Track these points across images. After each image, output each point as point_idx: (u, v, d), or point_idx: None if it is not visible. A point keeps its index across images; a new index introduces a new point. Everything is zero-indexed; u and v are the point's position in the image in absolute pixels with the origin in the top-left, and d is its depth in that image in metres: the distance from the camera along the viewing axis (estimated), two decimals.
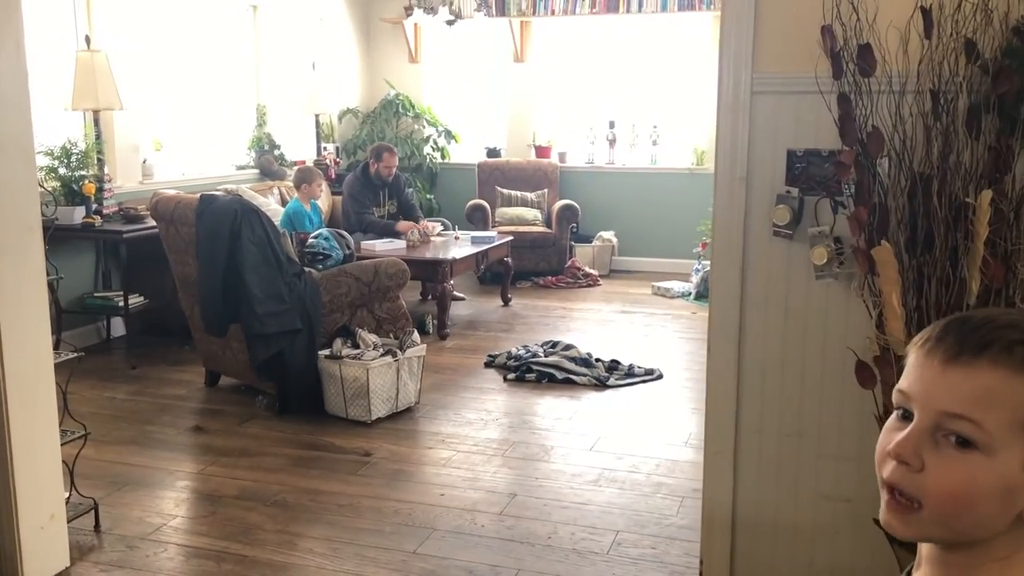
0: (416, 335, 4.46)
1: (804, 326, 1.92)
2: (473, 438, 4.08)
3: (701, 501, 2.80)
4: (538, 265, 7.72)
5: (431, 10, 7.46)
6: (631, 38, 8.29)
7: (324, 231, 4.64)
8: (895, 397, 0.89)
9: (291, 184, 6.98)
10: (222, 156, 7.04)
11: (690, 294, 7.21)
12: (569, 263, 7.81)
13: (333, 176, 7.98)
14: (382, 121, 8.58)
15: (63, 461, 2.89)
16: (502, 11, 8.31)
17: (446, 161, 8.73)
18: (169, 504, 3.43)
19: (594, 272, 7.80)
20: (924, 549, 0.91)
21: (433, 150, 8.68)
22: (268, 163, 7.21)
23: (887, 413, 1.77)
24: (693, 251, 7.48)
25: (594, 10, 8.06)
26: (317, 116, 8.01)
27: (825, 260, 1.81)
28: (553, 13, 8.20)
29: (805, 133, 1.87)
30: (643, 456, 3.87)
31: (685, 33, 8.12)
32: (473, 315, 6.61)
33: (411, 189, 7.18)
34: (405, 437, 4.11)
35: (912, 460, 0.85)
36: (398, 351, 4.31)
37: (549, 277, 7.68)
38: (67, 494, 2.99)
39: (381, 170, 6.68)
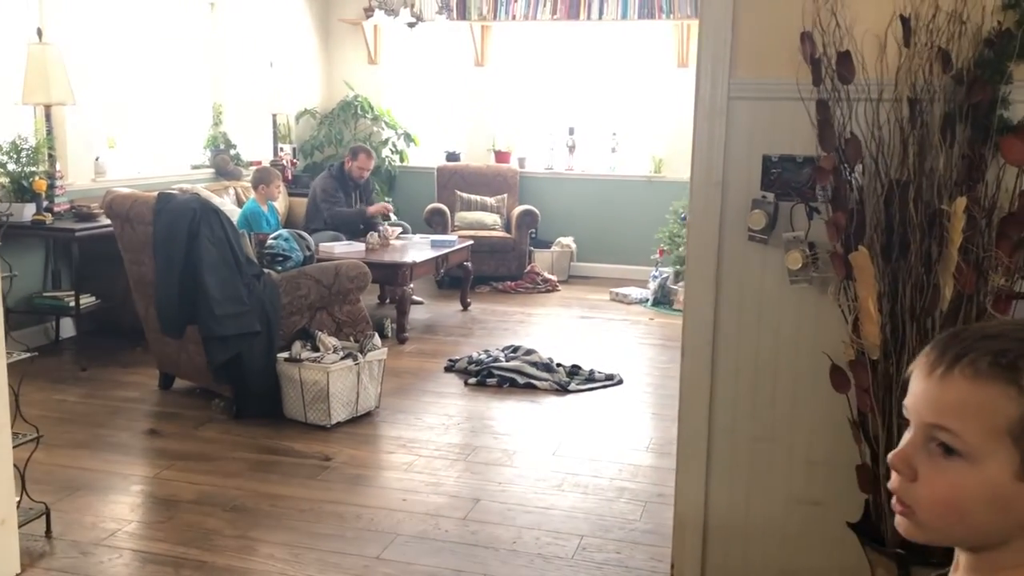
0: (377, 338, 4.42)
1: (778, 330, 1.93)
2: (435, 443, 4.04)
3: (672, 505, 2.82)
4: (497, 270, 7.70)
5: (392, 12, 7.41)
6: (591, 45, 8.33)
7: (284, 232, 4.58)
8: (903, 410, 0.91)
9: (247, 184, 6.89)
10: (177, 155, 6.91)
11: (647, 300, 7.25)
12: (528, 268, 7.81)
13: (290, 177, 7.89)
14: (340, 123, 8.50)
15: (14, 465, 2.80)
16: (463, 15, 8.29)
17: (405, 164, 8.67)
18: (123, 509, 3.34)
19: (553, 278, 7.82)
20: (956, 552, 0.93)
21: (392, 153, 8.61)
22: (224, 163, 7.09)
23: (860, 416, 1.80)
24: (651, 258, 7.53)
25: (555, 16, 8.09)
26: (274, 116, 7.92)
27: (800, 265, 1.82)
28: (514, 18, 8.21)
29: (780, 139, 1.88)
30: (605, 461, 3.87)
31: (645, 41, 8.18)
32: (432, 319, 6.57)
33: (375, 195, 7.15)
34: (365, 441, 4.06)
35: (904, 470, 0.88)
36: (359, 354, 4.26)
37: (508, 282, 7.67)
38: (17, 499, 2.90)
39: (355, 170, 6.65)
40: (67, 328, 5.56)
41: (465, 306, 6.89)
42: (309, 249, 4.60)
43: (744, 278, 1.94)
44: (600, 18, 7.98)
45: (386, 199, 8.25)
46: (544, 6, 8.09)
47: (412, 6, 7.21)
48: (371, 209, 6.56)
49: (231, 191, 6.76)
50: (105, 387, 4.70)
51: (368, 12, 8.38)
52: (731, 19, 1.85)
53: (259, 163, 7.71)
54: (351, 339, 4.54)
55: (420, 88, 8.79)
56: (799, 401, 1.95)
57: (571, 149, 8.36)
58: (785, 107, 1.86)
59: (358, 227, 6.42)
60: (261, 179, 5.88)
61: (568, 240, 8.24)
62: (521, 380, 4.89)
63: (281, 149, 8.01)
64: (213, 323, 3.97)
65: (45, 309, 5.27)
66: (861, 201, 1.70)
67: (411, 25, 7.32)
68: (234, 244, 4.07)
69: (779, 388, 1.96)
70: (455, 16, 8.18)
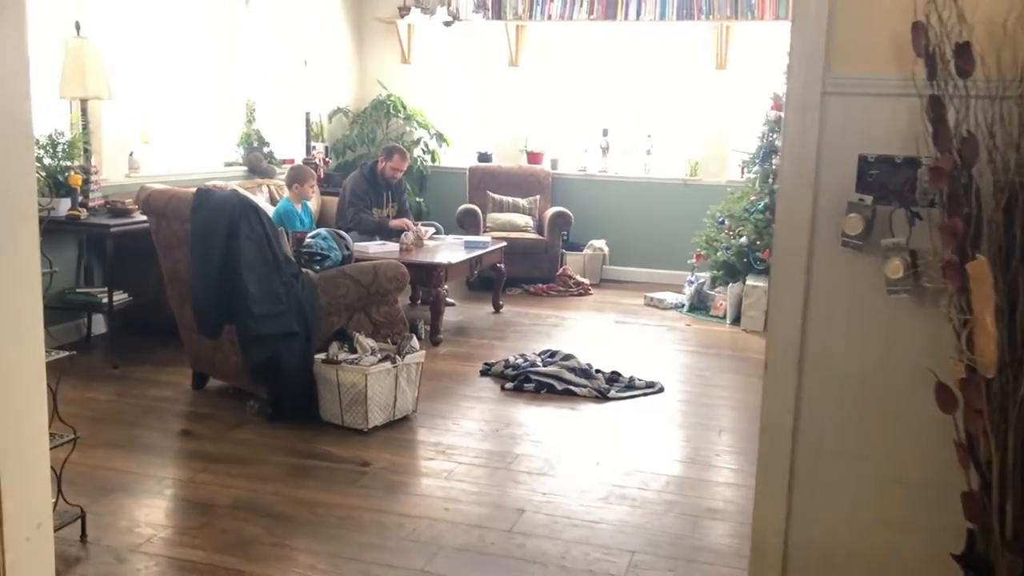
0: (415, 340, 4.31)
1: (871, 343, 1.81)
2: (474, 450, 3.93)
3: (725, 522, 2.69)
4: (529, 272, 7.59)
5: (428, 10, 7.31)
6: (627, 46, 8.20)
7: (323, 231, 4.48)
8: None
9: (281, 182, 6.82)
10: (210, 152, 6.85)
11: (683, 306, 7.11)
12: (561, 271, 7.69)
13: (322, 176, 7.81)
14: (372, 122, 8.42)
15: (50, 467, 2.71)
16: (498, 14, 8.19)
17: (436, 164, 8.58)
18: (159, 513, 3.25)
19: (585, 281, 7.69)
20: None
21: (424, 153, 8.53)
22: (257, 160, 7.02)
23: (968, 439, 1.66)
24: (687, 262, 7.39)
25: (592, 16, 7.97)
26: (307, 114, 7.84)
27: (901, 274, 1.70)
28: (550, 18, 8.11)
29: (878, 138, 1.76)
30: (651, 472, 3.74)
31: (682, 42, 8.04)
32: (464, 321, 6.47)
33: (407, 196, 7.05)
34: (404, 447, 3.95)
35: None
36: (397, 357, 4.15)
37: (540, 285, 7.56)
38: (53, 500, 2.81)
39: (388, 170, 6.55)
40: (99, 325, 5.50)
41: (497, 308, 6.78)
42: (348, 249, 4.50)
43: (836, 287, 1.81)
44: (638, 18, 7.87)
45: (417, 199, 8.17)
46: (580, 6, 7.98)
47: (448, 5, 7.11)
48: (394, 223, 6.43)
49: (264, 189, 6.69)
50: (138, 385, 4.63)
51: (403, 11, 8.31)
52: (827, 10, 1.73)
53: (292, 161, 7.64)
54: (388, 341, 4.44)
55: (453, 88, 8.70)
56: (893, 419, 1.82)
57: (605, 151, 8.24)
58: (884, 104, 1.74)
59: (376, 236, 6.29)
60: (295, 178, 5.80)
61: (600, 243, 8.11)
62: (559, 386, 4.78)
63: (313, 147, 7.95)
64: (251, 322, 3.88)
65: (78, 305, 5.21)
66: (978, 206, 1.58)
67: (448, 24, 7.23)
68: (273, 242, 3.97)
69: (871, 404, 1.83)
70: (491, 16, 8.08)
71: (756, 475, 1.93)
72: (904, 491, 1.83)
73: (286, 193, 5.95)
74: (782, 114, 1.81)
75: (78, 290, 5.22)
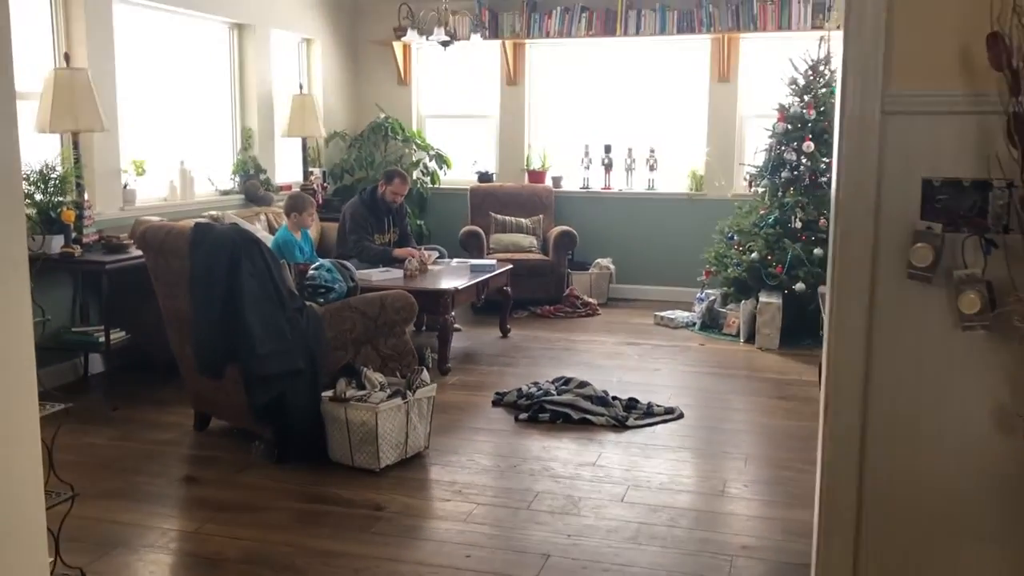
0: (425, 374, 4.14)
1: (944, 382, 1.65)
2: (492, 488, 3.76)
3: (763, 559, 2.52)
4: (535, 293, 7.43)
5: (425, 31, 7.18)
6: (627, 61, 8.08)
7: (326, 262, 4.32)
8: None
9: (279, 210, 6.67)
10: (206, 181, 6.69)
11: (695, 324, 6.95)
12: (567, 292, 7.53)
13: (321, 201, 7.66)
14: (371, 145, 8.28)
15: (47, 528, 2.54)
16: (495, 33, 8.07)
17: (437, 186, 8.43)
18: (165, 570, 3.07)
19: (593, 301, 7.54)
20: None
21: (423, 174, 8.38)
22: (254, 188, 6.87)
23: None
24: (697, 279, 7.23)
25: (590, 32, 7.85)
26: (304, 139, 7.70)
27: (978, 308, 1.54)
28: (548, 35, 7.98)
29: (943, 160, 1.60)
30: (679, 508, 3.57)
31: (683, 56, 7.92)
32: (471, 347, 6.30)
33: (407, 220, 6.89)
34: (418, 487, 3.78)
35: None
36: (407, 391, 3.98)
37: (547, 306, 7.40)
38: (51, 561, 2.64)
39: (388, 194, 6.40)
40: (96, 364, 5.32)
41: (505, 333, 6.62)
42: (353, 280, 4.34)
43: (902, 322, 1.66)
44: (637, 33, 7.74)
45: (418, 222, 8.01)
46: (579, 22, 7.86)
47: (446, 25, 6.98)
48: (397, 252, 6.26)
49: (262, 217, 6.54)
50: (138, 428, 4.45)
51: (398, 32, 8.19)
52: (884, 21, 1.58)
53: (289, 188, 7.50)
54: (397, 374, 4.28)
55: (451, 108, 8.57)
56: (971, 467, 1.66)
57: (608, 167, 8.10)
58: (949, 122, 1.59)
59: (380, 264, 6.12)
60: (294, 206, 5.65)
61: (607, 261, 7.96)
62: (576, 415, 4.61)
63: (311, 173, 7.80)
64: (255, 362, 3.71)
65: (74, 345, 5.04)
66: None
67: (445, 44, 7.10)
68: (276, 277, 3.81)
69: (944, 450, 1.67)
70: (488, 35, 7.96)
71: (815, 534, 1.76)
72: (984, 547, 1.66)
73: (284, 222, 5.79)
74: (834, 135, 1.65)
75: (74, 329, 5.06)
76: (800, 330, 6.43)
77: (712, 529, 3.38)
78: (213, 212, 5.97)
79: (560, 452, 4.19)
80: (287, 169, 7.66)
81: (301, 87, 7.64)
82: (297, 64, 7.94)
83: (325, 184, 7.94)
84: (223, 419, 4.37)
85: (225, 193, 6.82)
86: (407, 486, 3.77)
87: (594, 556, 3.13)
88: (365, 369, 4.06)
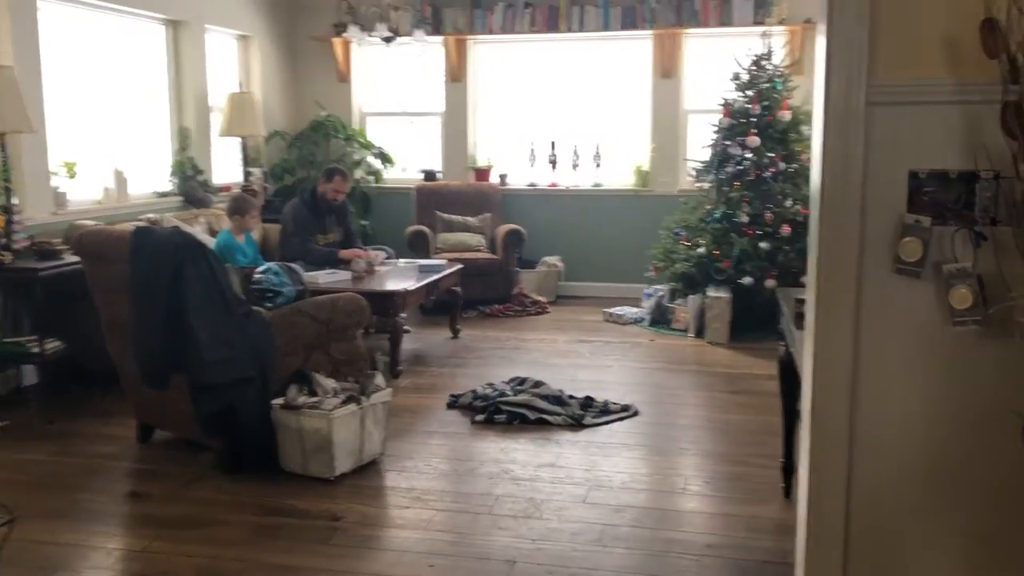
0: (379, 378, 4.03)
1: (935, 380, 1.62)
2: (452, 493, 3.67)
3: (728, 558, 2.49)
4: (484, 293, 7.34)
5: (366, 28, 7.04)
6: (572, 57, 8.05)
7: (273, 265, 4.18)
8: None
9: (219, 212, 6.48)
10: (142, 183, 6.46)
11: (644, 320, 6.95)
12: (516, 290, 7.47)
13: (263, 202, 7.46)
14: (311, 144, 8.09)
15: None
16: (438, 29, 7.96)
17: (380, 185, 8.29)
18: None
19: (542, 299, 7.49)
20: None
21: (366, 174, 8.23)
22: (193, 189, 6.66)
23: None
24: (645, 275, 7.23)
25: (534, 28, 7.79)
26: (244, 139, 7.50)
27: (969, 303, 1.51)
28: (491, 32, 7.90)
29: (928, 151, 1.57)
30: (642, 507, 3.53)
31: (627, 52, 7.91)
32: (421, 349, 6.19)
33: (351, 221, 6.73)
34: (376, 495, 3.67)
35: None
36: (362, 397, 3.87)
37: (496, 305, 7.33)
38: None
39: (329, 192, 6.24)
40: (29, 376, 5.08)
41: (455, 333, 6.52)
42: (302, 283, 4.20)
43: (889, 319, 1.62)
44: (581, 29, 7.70)
45: (363, 222, 7.86)
46: (522, 19, 7.80)
47: (389, 21, 6.85)
48: (344, 253, 6.11)
49: (202, 219, 6.33)
50: (77, 442, 4.26)
51: (338, 28, 8.03)
52: (868, 9, 1.54)
53: (229, 189, 7.30)
54: (349, 379, 4.16)
55: (394, 105, 8.44)
56: (962, 464, 1.63)
57: (554, 164, 8.05)
58: (934, 112, 1.55)
59: (326, 266, 5.96)
60: (237, 209, 5.48)
61: (555, 259, 7.92)
62: (532, 415, 4.55)
63: (251, 173, 7.59)
64: (202, 371, 3.56)
65: (6, 356, 4.80)
66: None
67: (388, 40, 6.97)
68: (222, 281, 3.67)
69: (936, 449, 1.64)
70: (431, 31, 7.84)
71: (804, 540, 1.71)
72: (978, 549, 1.64)
73: (226, 225, 5.62)
74: (814, 127, 1.61)
75: (5, 340, 4.81)
76: (748, 324, 6.47)
77: (676, 528, 3.35)
78: (151, 215, 5.75)
79: (518, 454, 4.12)
80: (226, 170, 7.44)
81: (240, 85, 7.44)
82: (235, 62, 7.72)
83: (266, 184, 7.73)
84: (168, 430, 4.20)
85: (163, 195, 6.59)
86: (364, 494, 3.66)
87: (560, 560, 3.07)
88: (316, 375, 3.94)
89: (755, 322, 6.51)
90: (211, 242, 5.50)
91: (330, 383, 3.95)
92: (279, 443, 3.83)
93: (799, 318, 2.95)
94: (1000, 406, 1.56)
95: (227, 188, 7.34)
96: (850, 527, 1.67)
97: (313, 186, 6.45)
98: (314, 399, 3.83)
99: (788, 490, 3.62)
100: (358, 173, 8.15)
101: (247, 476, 3.80)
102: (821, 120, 1.60)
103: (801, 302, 2.96)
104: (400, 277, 5.91)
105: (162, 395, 3.91)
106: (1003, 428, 1.54)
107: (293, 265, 4.29)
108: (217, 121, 7.20)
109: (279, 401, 3.83)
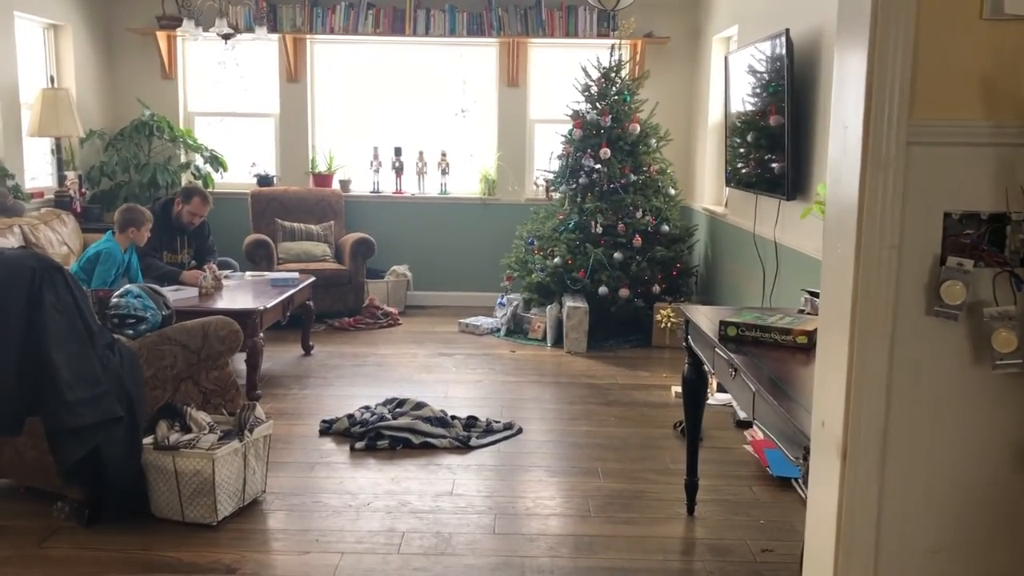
0: (259, 410, 3.69)
1: (971, 423, 1.61)
2: (353, 532, 3.42)
3: None
4: (333, 305, 7.02)
5: (201, 22, 6.53)
6: (418, 62, 7.85)
7: (134, 287, 3.73)
8: None
9: (33, 221, 5.84)
10: None
11: (499, 330, 6.88)
12: (367, 302, 7.19)
13: (79, 209, 6.78)
14: (133, 145, 7.43)
15: None
16: (274, 27, 7.53)
17: (212, 190, 7.72)
18: None
19: (393, 310, 7.25)
20: None
21: (195, 178, 7.66)
22: (3, 197, 5.92)
23: None
24: (500, 285, 7.17)
25: (378, 30, 7.54)
26: (57, 140, 6.77)
27: (1015, 347, 1.51)
28: (332, 31, 7.56)
29: (964, 193, 1.56)
30: (554, 535, 3.43)
31: (474, 59, 7.83)
32: (273, 369, 5.81)
33: (212, 237, 6.22)
34: (269, 540, 3.36)
35: None
36: (244, 431, 3.53)
37: (346, 318, 7.02)
38: None
39: (185, 215, 5.76)
40: None
41: (308, 350, 6.18)
42: (167, 307, 3.78)
43: (923, 363, 1.59)
44: (427, 34, 7.53)
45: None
46: (366, 20, 7.52)
47: (227, 17, 6.39)
48: (186, 275, 5.64)
49: (16, 229, 5.65)
50: None
51: (163, 21, 7.43)
52: (912, 45, 1.51)
53: (42, 194, 6.62)
54: (223, 411, 3.81)
55: (224, 105, 7.91)
56: (992, 506, 1.63)
57: (398, 171, 7.83)
58: (970, 154, 1.55)
59: (164, 282, 5.49)
60: (132, 220, 5.02)
61: (403, 268, 7.71)
62: (416, 440, 4.35)
63: (66, 177, 6.87)
64: (64, 413, 3.11)
65: None
66: None
67: (227, 37, 6.49)
68: (84, 310, 3.22)
69: (969, 491, 1.63)
70: (267, 29, 7.40)
71: (833, 567, 1.66)
72: None
73: (116, 237, 5.12)
74: (847, 166, 1.54)
75: None
76: (604, 332, 6.56)
77: (594, 555, 3.28)
78: None
79: (412, 483, 3.91)
80: (37, 174, 6.69)
81: (52, 80, 6.71)
82: (44, 54, 6.96)
83: (84, 190, 7.03)
84: (9, 478, 3.66)
85: None
86: (255, 540, 3.33)
87: None
88: (188, 408, 3.56)
89: (610, 331, 6.61)
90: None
91: (204, 417, 3.58)
92: (151, 487, 3.43)
93: (726, 340, 2.95)
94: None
95: (39, 194, 6.62)
96: (879, 567, 1.64)
97: (167, 200, 5.96)
98: (188, 436, 3.46)
99: (692, 507, 3.64)
100: (185, 178, 7.57)
101: (112, 527, 3.37)
102: (857, 159, 1.55)
103: (728, 324, 2.97)
104: (253, 293, 5.51)
105: (5, 441, 3.40)
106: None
107: (156, 287, 3.86)
108: (27, 120, 6.45)
109: (149, 441, 3.43)
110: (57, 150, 6.86)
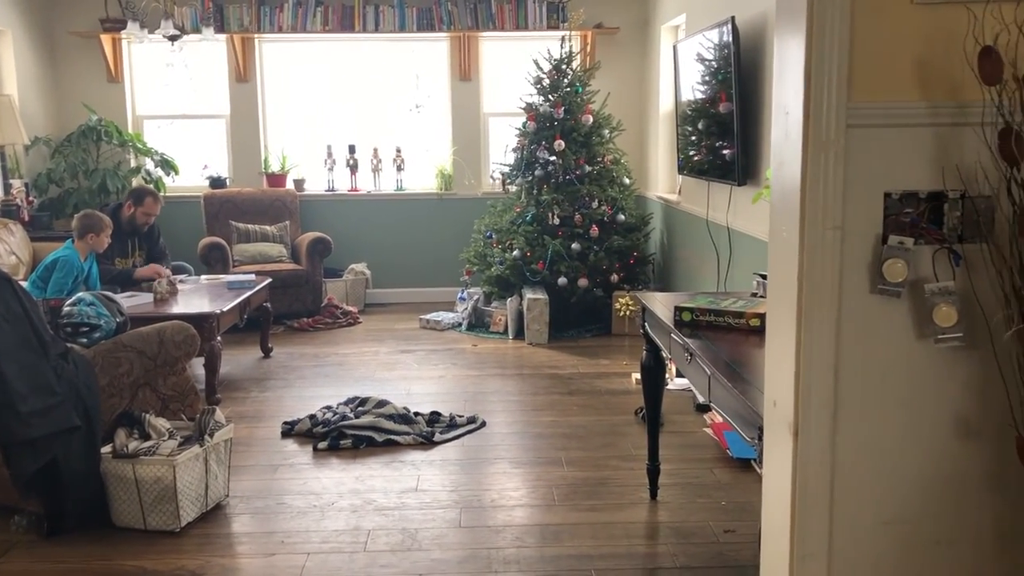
0: (219, 414, 3.67)
1: (912, 398, 1.65)
2: (319, 533, 3.41)
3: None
4: (291, 306, 6.98)
5: (147, 24, 6.44)
6: (369, 58, 7.81)
7: (87, 295, 3.67)
8: None
9: None
10: None
11: (461, 325, 6.88)
12: (326, 301, 7.15)
13: (27, 218, 6.67)
14: (81, 150, 7.29)
15: None
16: (221, 27, 7.44)
17: (164, 194, 7.61)
18: None
19: (353, 309, 7.22)
20: None
21: (146, 182, 7.54)
22: None
23: None
24: (460, 279, 7.18)
25: (327, 28, 7.48)
26: (1, 148, 6.63)
27: (954, 321, 1.55)
28: (280, 30, 7.50)
29: (902, 173, 1.60)
30: (520, 525, 3.45)
31: (425, 54, 7.80)
32: (232, 372, 5.76)
33: (163, 240, 6.16)
34: (233, 544, 3.34)
35: None
36: (204, 436, 3.51)
37: (305, 319, 6.98)
38: None
39: (139, 216, 5.70)
40: None
41: (267, 352, 6.14)
42: (122, 314, 3.73)
43: (868, 338, 1.64)
44: (376, 30, 7.49)
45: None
46: (314, 17, 7.46)
47: (172, 18, 6.30)
48: (139, 272, 5.61)
49: None
50: None
51: (106, 23, 7.31)
52: (849, 30, 1.54)
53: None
54: (182, 416, 3.77)
55: (173, 108, 7.80)
56: (939, 475, 1.68)
57: (353, 168, 7.79)
58: (906, 134, 1.59)
59: (119, 288, 5.43)
60: (91, 227, 4.95)
61: (361, 266, 7.68)
62: (380, 438, 4.34)
63: (11, 186, 6.74)
64: (17, 425, 3.06)
65: None
66: None
67: (173, 39, 6.41)
68: (34, 319, 3.17)
69: (911, 462, 1.68)
70: (214, 29, 7.31)
71: (793, 557, 1.70)
72: (952, 551, 1.70)
73: (75, 244, 5.03)
74: (787, 149, 1.58)
75: None
76: (564, 323, 6.60)
77: (560, 543, 3.30)
78: None
79: (376, 481, 3.91)
80: None
81: None
82: None
83: (31, 198, 6.89)
84: None
85: None
86: (219, 544, 3.31)
87: None
88: (147, 415, 3.52)
89: (570, 321, 6.65)
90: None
91: (162, 423, 3.55)
92: (111, 496, 3.39)
93: (681, 325, 2.99)
94: (972, 418, 1.63)
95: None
96: (833, 544, 1.68)
97: (116, 204, 5.89)
98: (148, 443, 3.42)
99: (655, 492, 3.68)
100: (135, 182, 7.45)
101: (71, 539, 3.33)
102: (799, 143, 1.58)
103: (682, 310, 3.01)
104: (209, 297, 5.46)
105: None
106: (975, 439, 1.61)
107: (109, 294, 3.80)
108: None
109: (108, 450, 3.39)
110: (1, 158, 6.72)
